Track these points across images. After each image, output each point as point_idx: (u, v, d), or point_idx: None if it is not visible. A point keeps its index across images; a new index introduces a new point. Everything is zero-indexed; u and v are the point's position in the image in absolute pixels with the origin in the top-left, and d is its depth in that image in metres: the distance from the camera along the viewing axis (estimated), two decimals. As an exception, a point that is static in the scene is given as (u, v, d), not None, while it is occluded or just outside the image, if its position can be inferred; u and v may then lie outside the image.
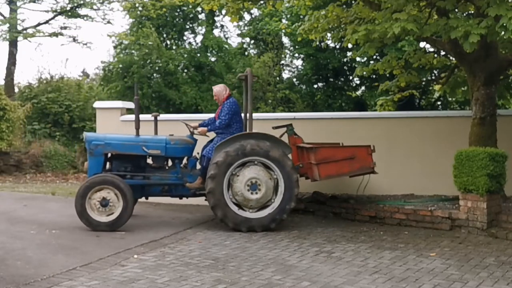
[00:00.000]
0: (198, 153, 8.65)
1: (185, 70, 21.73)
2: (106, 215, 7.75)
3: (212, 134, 8.67)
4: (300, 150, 8.82)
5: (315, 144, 8.72)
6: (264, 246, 7.04)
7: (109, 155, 8.39)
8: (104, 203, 7.71)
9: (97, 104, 11.45)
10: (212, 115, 8.98)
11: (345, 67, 21.42)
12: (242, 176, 7.97)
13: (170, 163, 8.58)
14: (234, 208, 7.98)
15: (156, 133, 8.84)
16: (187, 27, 23.11)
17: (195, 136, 8.56)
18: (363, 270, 5.93)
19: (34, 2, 22.30)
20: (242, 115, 8.73)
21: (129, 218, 7.89)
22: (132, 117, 10.37)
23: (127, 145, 8.26)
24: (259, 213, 8.02)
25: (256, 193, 7.95)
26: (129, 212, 7.83)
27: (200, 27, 23.28)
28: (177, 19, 22.66)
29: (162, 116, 9.89)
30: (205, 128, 8.46)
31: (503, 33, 7.69)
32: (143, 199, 8.77)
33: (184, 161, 8.59)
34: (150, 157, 8.48)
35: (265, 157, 7.98)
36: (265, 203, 8.04)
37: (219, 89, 8.62)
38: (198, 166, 8.60)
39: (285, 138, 8.80)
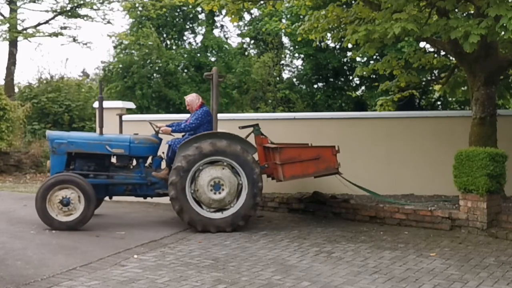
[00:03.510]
0: (163, 153, 8.59)
1: (185, 70, 21.73)
2: (68, 214, 7.65)
3: (177, 135, 8.62)
4: (266, 150, 8.74)
5: (281, 144, 8.69)
6: (264, 246, 7.04)
7: (73, 153, 8.24)
8: (66, 202, 7.62)
9: (97, 104, 11.42)
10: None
11: (345, 67, 21.44)
12: (204, 177, 7.87)
13: (134, 162, 8.48)
14: (200, 210, 7.90)
15: (121, 132, 8.79)
16: (187, 27, 23.12)
17: (160, 136, 8.49)
18: (363, 270, 5.93)
19: (34, 2, 22.28)
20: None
21: (91, 217, 7.78)
22: (132, 117, 10.41)
23: (90, 144, 8.16)
24: (225, 212, 7.95)
25: (220, 193, 7.88)
26: (91, 212, 7.73)
27: (200, 27, 23.29)
28: (177, 19, 22.67)
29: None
30: (169, 128, 8.41)
31: (503, 33, 7.69)
32: (142, 199, 8.76)
33: (149, 160, 8.51)
34: (115, 156, 8.39)
35: (225, 156, 7.89)
36: (230, 202, 7.97)
37: (192, 99, 8.65)
38: (163, 165, 8.52)
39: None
